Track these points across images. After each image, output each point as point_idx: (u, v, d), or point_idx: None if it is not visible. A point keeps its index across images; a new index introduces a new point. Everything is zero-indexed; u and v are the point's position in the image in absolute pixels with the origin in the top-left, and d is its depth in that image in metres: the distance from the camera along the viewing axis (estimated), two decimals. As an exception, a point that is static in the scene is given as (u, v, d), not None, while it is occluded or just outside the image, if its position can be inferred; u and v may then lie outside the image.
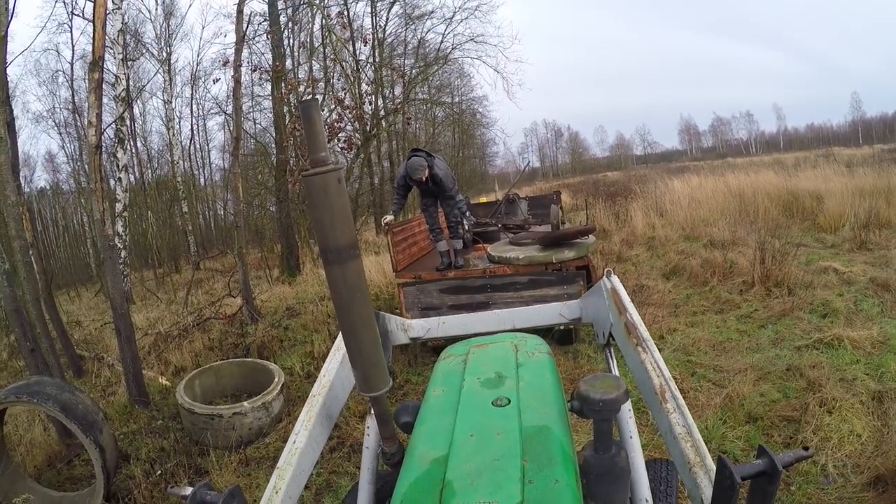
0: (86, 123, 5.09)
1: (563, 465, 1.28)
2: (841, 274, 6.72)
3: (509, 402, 1.52)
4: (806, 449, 1.22)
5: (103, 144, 5.34)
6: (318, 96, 14.90)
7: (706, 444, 3.43)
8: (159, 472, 3.83)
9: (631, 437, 1.64)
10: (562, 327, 5.13)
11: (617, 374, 2.02)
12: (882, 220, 8.95)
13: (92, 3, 4.92)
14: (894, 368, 4.25)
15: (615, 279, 2.04)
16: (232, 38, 15.34)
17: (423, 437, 1.50)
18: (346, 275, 1.23)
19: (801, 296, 6.07)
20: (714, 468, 1.28)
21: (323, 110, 13.76)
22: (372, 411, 1.80)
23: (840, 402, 3.77)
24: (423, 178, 5.94)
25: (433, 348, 5.60)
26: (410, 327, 2.37)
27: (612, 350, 2.09)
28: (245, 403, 4.50)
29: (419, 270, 5.70)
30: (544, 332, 2.27)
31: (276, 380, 4.85)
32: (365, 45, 19.00)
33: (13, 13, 4.88)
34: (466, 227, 7.09)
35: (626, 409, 1.65)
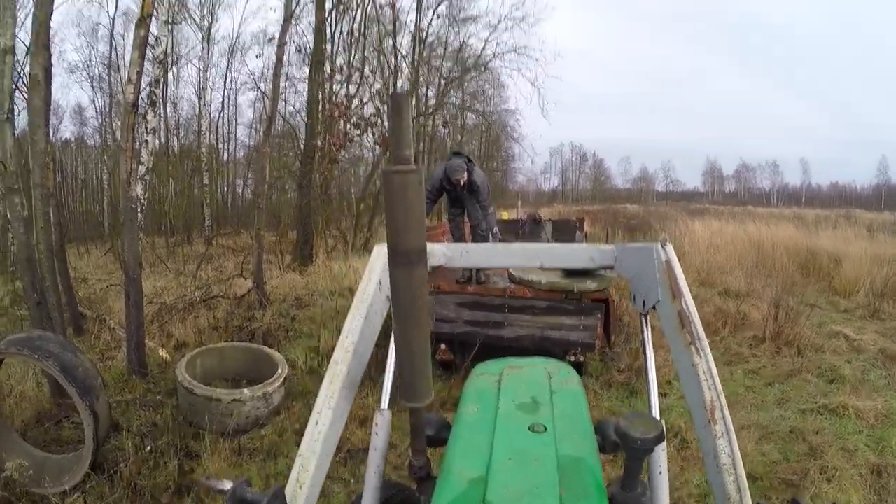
0: (124, 80, 5.10)
1: (598, 499, 1.26)
2: (851, 341, 6.63)
3: (545, 429, 1.50)
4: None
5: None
6: (352, 86, 14.89)
7: (704, 498, 3.35)
8: (149, 447, 3.79)
9: (660, 473, 1.54)
10: (572, 358, 5.02)
11: (650, 348, 1.88)
12: (898, 291, 8.85)
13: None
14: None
15: (670, 250, 1.82)
16: (276, 15, 15.38)
17: (460, 454, 1.47)
18: (412, 279, 1.18)
19: (810, 358, 5.99)
20: None
21: (358, 102, 13.74)
22: (381, 410, 1.75)
23: (840, 472, 3.74)
24: (462, 182, 5.88)
25: (440, 362, 5.53)
26: (431, 254, 2.14)
27: (648, 320, 1.94)
28: (245, 390, 4.43)
29: (438, 280, 5.55)
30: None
31: (280, 371, 4.77)
32: (412, 43, 18.92)
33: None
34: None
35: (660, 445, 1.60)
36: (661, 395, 3.94)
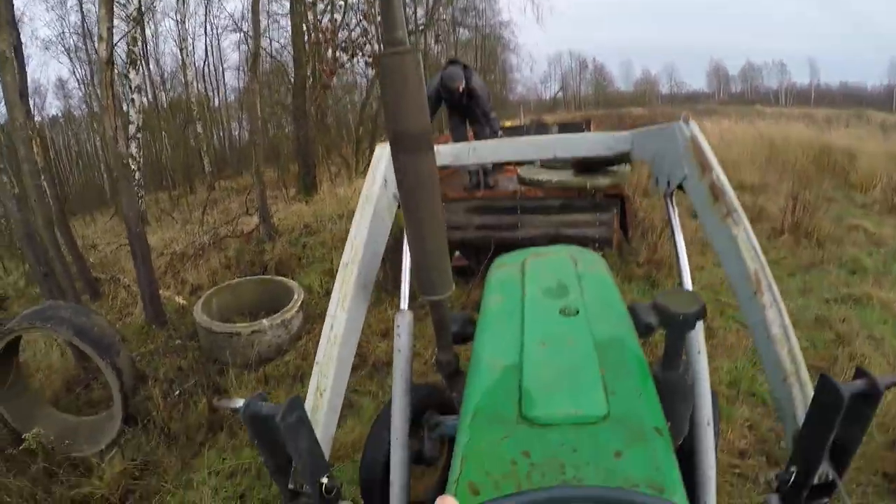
0: (96, 39, 4.87)
1: (642, 377, 1.21)
2: (871, 234, 6.53)
3: (577, 311, 1.44)
4: None
5: (116, 67, 5.12)
6: (337, 14, 14.31)
7: (735, 385, 3.33)
8: (178, 391, 3.82)
9: (699, 353, 1.51)
10: (596, 237, 4.90)
11: (678, 226, 1.84)
12: (915, 187, 8.61)
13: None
14: (921, 333, 4.14)
15: (694, 126, 1.72)
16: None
17: (490, 344, 1.41)
18: (418, 165, 1.10)
19: (830, 250, 5.92)
20: (808, 381, 1.19)
21: (347, 25, 13.23)
22: (402, 311, 1.68)
23: (869, 359, 3.73)
24: (460, 89, 5.64)
25: (455, 269, 5.42)
26: (438, 154, 2.04)
27: (673, 199, 1.86)
28: (264, 321, 4.41)
29: (445, 189, 5.35)
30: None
31: (296, 297, 4.75)
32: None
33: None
34: None
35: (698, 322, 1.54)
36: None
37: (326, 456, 1.24)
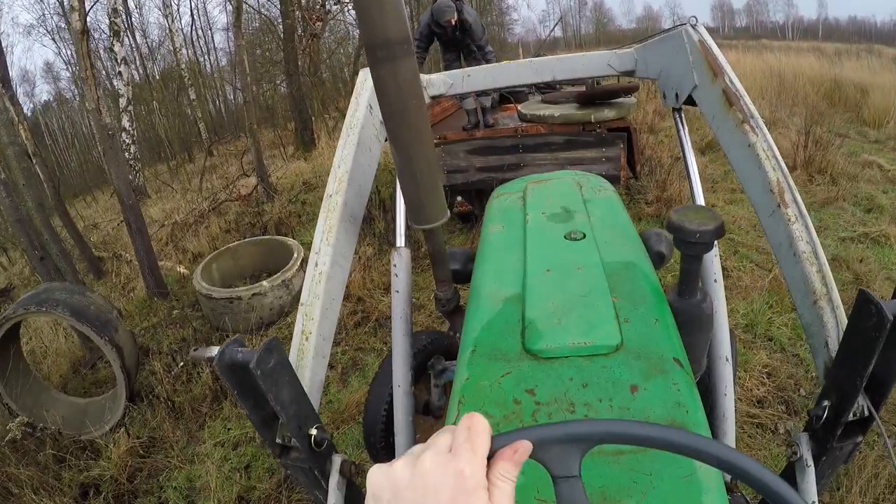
0: (68, 9, 4.70)
1: (657, 304, 1.10)
2: (885, 171, 6.29)
3: (584, 236, 1.34)
4: None
5: (99, 39, 4.92)
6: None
7: (751, 329, 3.22)
8: (181, 364, 3.75)
9: (715, 282, 1.40)
10: (603, 174, 4.77)
11: (688, 142, 1.71)
12: (931, 122, 8.23)
13: None
14: (940, 274, 4.01)
15: (702, 30, 1.58)
16: None
17: (490, 274, 1.31)
18: (399, 75, 0.96)
19: (844, 187, 5.72)
20: (840, 304, 1.08)
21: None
22: (398, 249, 1.57)
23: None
24: (452, 22, 5.43)
25: (459, 215, 5.27)
26: (430, 84, 1.96)
27: (682, 115, 1.74)
28: (264, 283, 4.31)
29: (444, 130, 5.18)
30: None
31: (296, 255, 4.65)
32: None
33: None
34: None
35: (715, 248, 1.38)
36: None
37: (315, 406, 1.15)
